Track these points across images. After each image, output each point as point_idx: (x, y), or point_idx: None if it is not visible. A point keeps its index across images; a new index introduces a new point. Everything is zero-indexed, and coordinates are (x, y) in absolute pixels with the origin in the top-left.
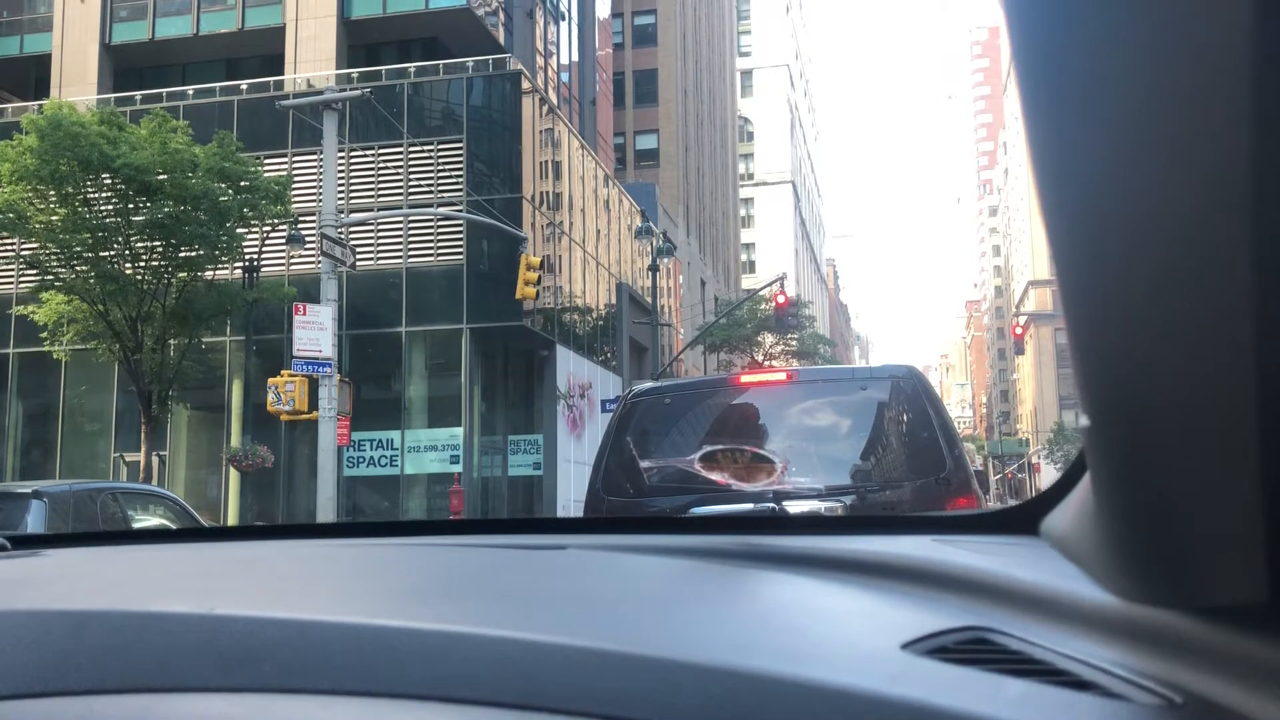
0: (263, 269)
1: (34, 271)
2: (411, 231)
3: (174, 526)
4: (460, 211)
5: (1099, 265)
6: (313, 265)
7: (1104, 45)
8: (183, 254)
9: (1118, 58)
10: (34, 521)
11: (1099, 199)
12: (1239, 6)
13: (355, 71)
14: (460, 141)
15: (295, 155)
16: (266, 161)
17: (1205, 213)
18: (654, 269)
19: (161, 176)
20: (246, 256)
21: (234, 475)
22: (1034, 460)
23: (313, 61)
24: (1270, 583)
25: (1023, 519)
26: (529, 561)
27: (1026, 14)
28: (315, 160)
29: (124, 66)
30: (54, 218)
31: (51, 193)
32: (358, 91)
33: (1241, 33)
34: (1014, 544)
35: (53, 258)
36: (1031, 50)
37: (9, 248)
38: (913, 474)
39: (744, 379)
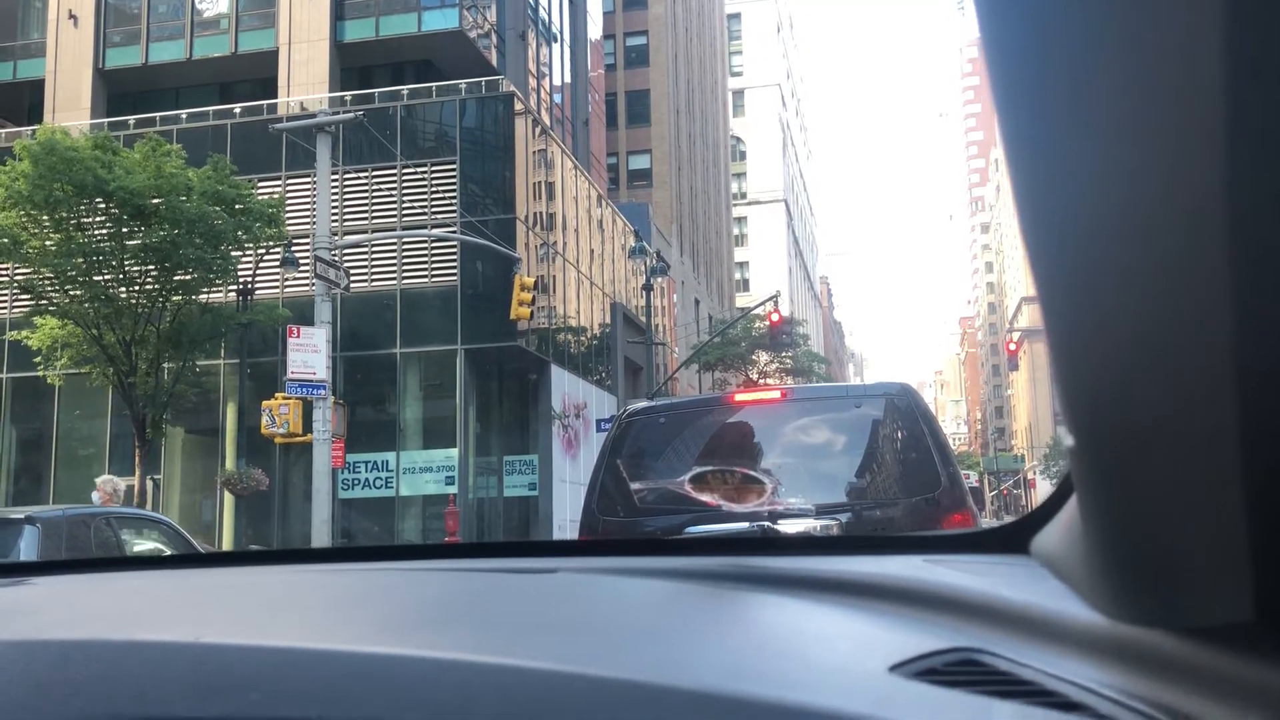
0: (257, 291)
1: (28, 296)
2: (405, 253)
3: (168, 551)
4: (454, 233)
5: (1081, 288)
6: (307, 287)
7: (1080, 55)
8: (177, 277)
9: (1095, 69)
10: (26, 547)
11: (1079, 226)
12: (1213, 13)
13: (348, 94)
14: (454, 163)
15: (289, 178)
16: (260, 184)
17: (1187, 235)
18: (648, 288)
19: (156, 200)
20: (241, 279)
21: (229, 499)
22: (1030, 476)
23: (306, 85)
24: (1255, 602)
25: (1013, 537)
26: (519, 586)
27: (1001, 22)
28: (309, 182)
29: (117, 91)
30: (48, 242)
31: (45, 217)
32: (350, 114)
33: (1216, 41)
34: (1004, 563)
35: (46, 283)
36: (1007, 59)
37: (3, 273)
38: (908, 492)
39: (738, 398)
